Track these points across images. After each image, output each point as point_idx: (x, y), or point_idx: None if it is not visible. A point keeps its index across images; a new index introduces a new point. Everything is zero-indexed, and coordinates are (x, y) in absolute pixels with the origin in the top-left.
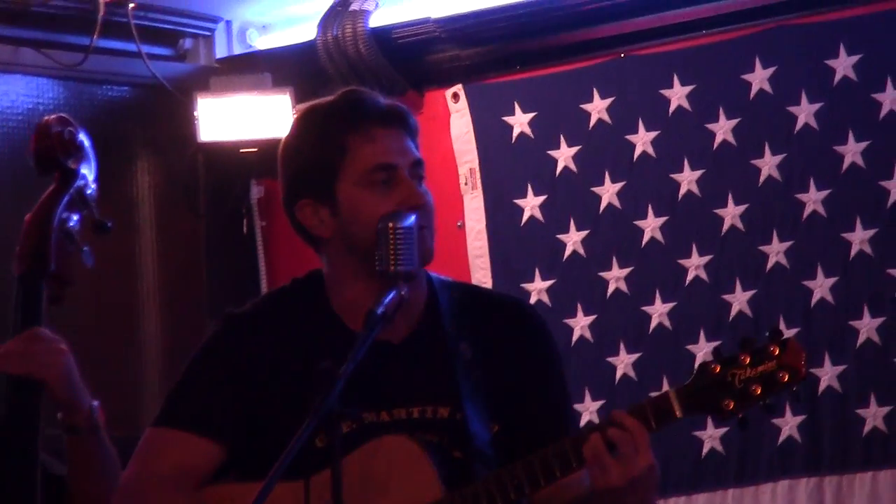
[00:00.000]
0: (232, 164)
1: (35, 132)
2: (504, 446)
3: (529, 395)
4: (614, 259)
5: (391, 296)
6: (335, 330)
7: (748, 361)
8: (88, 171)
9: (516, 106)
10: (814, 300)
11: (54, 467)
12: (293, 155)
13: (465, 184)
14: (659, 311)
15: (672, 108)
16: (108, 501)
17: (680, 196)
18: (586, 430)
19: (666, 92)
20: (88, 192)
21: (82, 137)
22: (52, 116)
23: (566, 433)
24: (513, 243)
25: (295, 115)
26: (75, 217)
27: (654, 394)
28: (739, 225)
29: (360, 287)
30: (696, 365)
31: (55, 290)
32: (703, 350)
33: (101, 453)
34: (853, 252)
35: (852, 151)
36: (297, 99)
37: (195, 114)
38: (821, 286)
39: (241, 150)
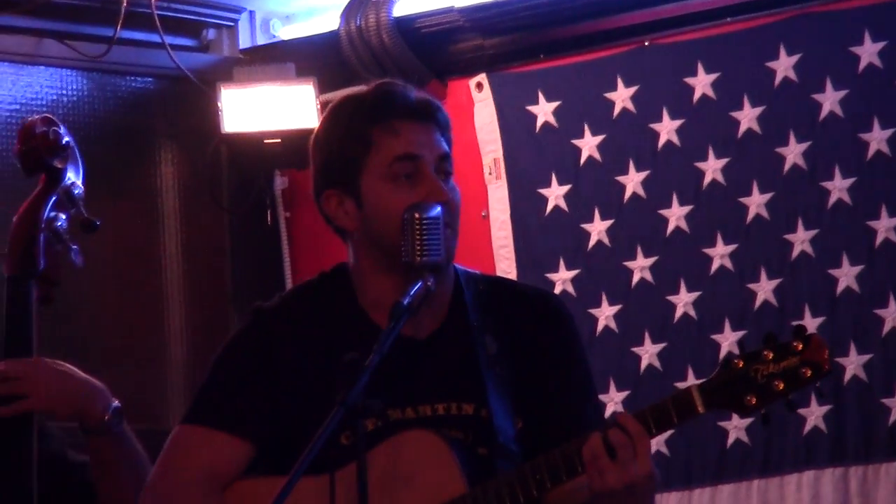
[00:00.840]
0: (256, 155)
1: (19, 133)
2: (529, 442)
3: (554, 389)
4: (639, 249)
5: (417, 287)
6: (362, 325)
7: (771, 357)
8: (75, 171)
9: (540, 95)
10: (839, 289)
11: (75, 456)
12: (322, 146)
13: (490, 174)
14: (684, 300)
15: (696, 96)
16: (134, 499)
17: (704, 185)
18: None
19: (690, 80)
20: (76, 191)
21: (67, 137)
22: (37, 117)
23: (591, 428)
24: (537, 233)
25: (329, 106)
26: (63, 216)
27: (677, 387)
28: (764, 213)
29: (386, 281)
30: (721, 357)
31: (44, 291)
32: (728, 340)
33: (122, 451)
34: (878, 240)
35: (877, 139)
36: (321, 89)
37: (219, 104)
38: (846, 275)
39: (265, 141)
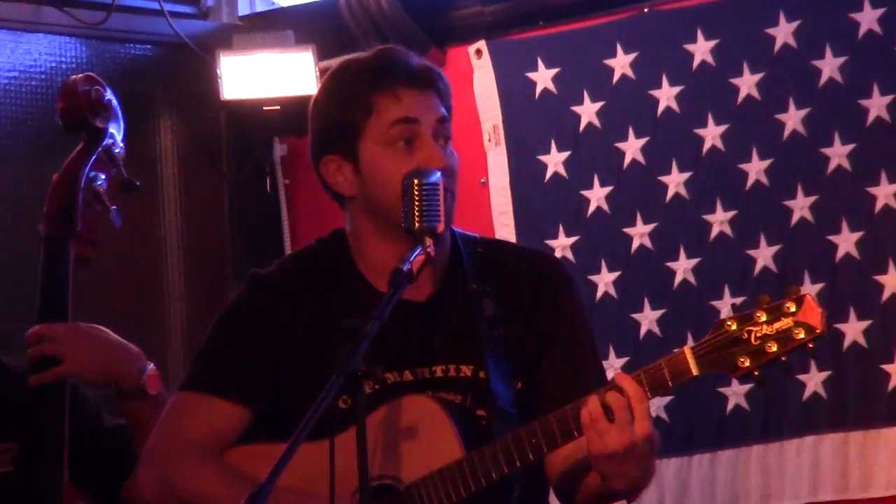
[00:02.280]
0: (255, 122)
1: (61, 92)
2: (528, 404)
3: (555, 351)
4: (638, 215)
5: (416, 253)
6: (360, 290)
7: (763, 318)
8: (116, 130)
9: (539, 62)
10: (838, 255)
11: (111, 420)
12: (321, 110)
13: (489, 140)
14: (683, 266)
15: (696, 63)
16: None
17: (704, 151)
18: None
19: (690, 47)
20: (116, 150)
21: (109, 96)
22: (79, 76)
23: (592, 389)
24: (536, 200)
25: (328, 72)
26: (103, 176)
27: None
28: (764, 180)
29: (384, 246)
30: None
31: (82, 251)
32: (727, 306)
33: (158, 414)
34: (878, 206)
35: (877, 105)
36: (320, 56)
37: (218, 72)
38: (846, 241)
39: (265, 108)
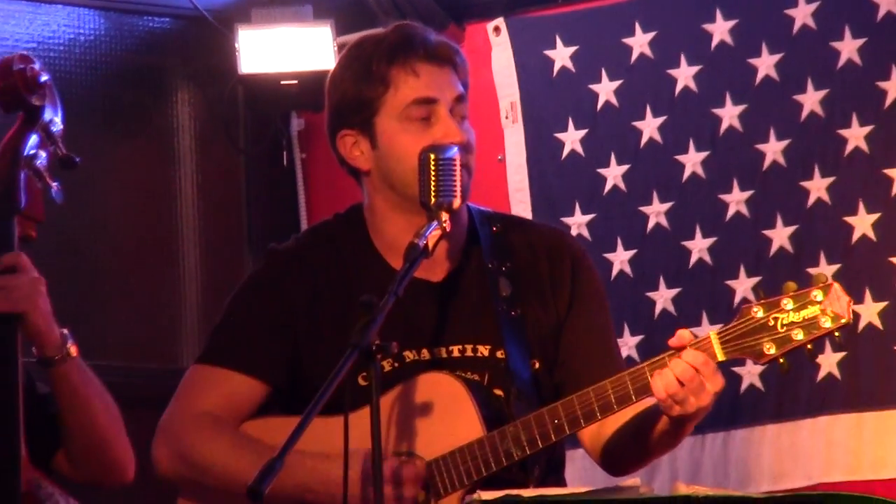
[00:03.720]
0: (272, 96)
1: None
2: (546, 382)
3: (570, 328)
4: (655, 194)
5: (432, 228)
6: (376, 266)
7: (790, 306)
8: (52, 109)
9: (558, 40)
10: (855, 236)
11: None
12: (338, 85)
13: (506, 118)
14: (699, 246)
15: (714, 42)
16: (102, 431)
17: (721, 131)
18: (646, 366)
19: (708, 27)
20: (54, 129)
21: (45, 76)
22: (14, 54)
23: (610, 365)
24: (553, 177)
25: (346, 46)
26: (43, 154)
27: (696, 334)
28: (781, 160)
29: (399, 222)
30: (738, 304)
31: (26, 229)
32: (743, 286)
33: (82, 382)
34: (895, 188)
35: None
36: (339, 31)
37: (236, 46)
38: (862, 222)
39: (282, 83)
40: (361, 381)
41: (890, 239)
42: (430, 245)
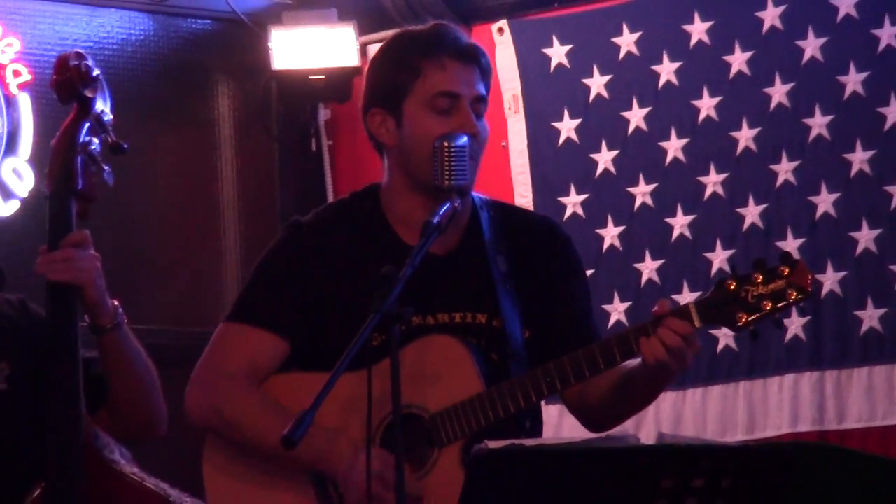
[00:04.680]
0: (302, 89)
1: (55, 66)
2: (535, 349)
3: (558, 303)
4: (641, 176)
5: (446, 207)
6: (389, 241)
7: (760, 280)
8: (103, 100)
9: (554, 39)
10: (818, 213)
11: (86, 352)
12: (376, 69)
13: (509, 108)
14: (680, 222)
15: (693, 41)
16: (143, 392)
17: (699, 120)
18: (631, 332)
19: (688, 27)
20: (105, 118)
21: (97, 71)
22: (70, 52)
23: (590, 336)
24: (551, 162)
25: (389, 38)
26: (96, 140)
27: (674, 299)
28: (752, 146)
29: (413, 199)
30: (713, 272)
31: (82, 207)
32: (719, 258)
33: (128, 348)
34: (854, 171)
35: (853, 81)
36: (360, 31)
37: (269, 45)
38: (825, 201)
39: (310, 77)
40: (374, 342)
41: (849, 215)
42: (444, 223)
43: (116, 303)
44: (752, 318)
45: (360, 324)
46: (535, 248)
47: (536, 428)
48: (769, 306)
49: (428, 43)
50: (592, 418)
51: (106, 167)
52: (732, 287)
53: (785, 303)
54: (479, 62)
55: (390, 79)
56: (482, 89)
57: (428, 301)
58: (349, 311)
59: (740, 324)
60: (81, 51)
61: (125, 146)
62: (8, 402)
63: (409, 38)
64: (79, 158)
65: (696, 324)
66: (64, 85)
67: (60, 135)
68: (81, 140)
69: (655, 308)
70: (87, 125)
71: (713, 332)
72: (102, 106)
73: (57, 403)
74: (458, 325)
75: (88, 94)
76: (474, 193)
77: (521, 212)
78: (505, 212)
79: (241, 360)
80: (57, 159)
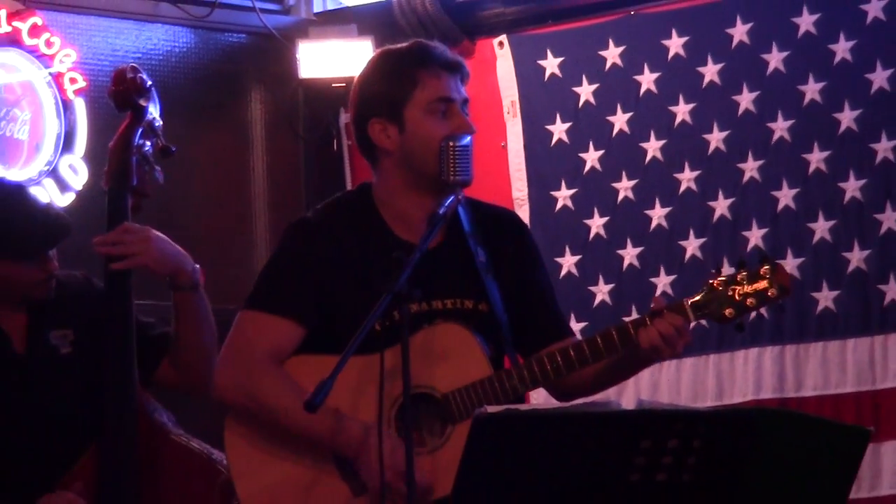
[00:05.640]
0: (325, 96)
1: (113, 78)
2: (514, 328)
3: (527, 287)
4: (623, 173)
5: (450, 200)
6: (382, 234)
7: (745, 280)
8: (154, 108)
9: (548, 52)
10: (780, 207)
11: (142, 318)
12: (369, 84)
13: (508, 113)
14: (658, 214)
15: (670, 55)
16: (204, 349)
17: (676, 124)
18: (630, 324)
19: (666, 42)
20: (156, 124)
21: (150, 82)
22: (126, 66)
23: (556, 316)
24: (544, 160)
25: (372, 58)
26: (148, 143)
27: (652, 282)
28: (722, 147)
29: (411, 198)
30: (686, 258)
31: (136, 202)
32: (692, 245)
33: (199, 307)
34: (811, 169)
35: (812, 90)
36: (377, 45)
37: (297, 56)
38: (785, 196)
39: (333, 85)
40: (377, 327)
41: (807, 209)
42: (449, 214)
43: (197, 266)
44: (738, 314)
45: (362, 309)
46: (504, 239)
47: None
48: (753, 303)
49: (421, 56)
50: (564, 392)
51: (157, 168)
52: (720, 287)
53: (767, 300)
54: (461, 71)
55: (388, 90)
56: (465, 93)
57: (423, 290)
58: (353, 297)
59: (727, 319)
60: (136, 65)
61: (173, 149)
62: (71, 364)
63: (398, 53)
64: (133, 159)
65: (692, 319)
66: (120, 95)
67: (117, 138)
68: (135, 143)
69: (653, 304)
70: (140, 130)
71: None
72: (154, 113)
73: (113, 371)
74: (449, 310)
75: (142, 102)
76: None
77: (489, 206)
78: (476, 207)
79: (262, 343)
80: (114, 159)
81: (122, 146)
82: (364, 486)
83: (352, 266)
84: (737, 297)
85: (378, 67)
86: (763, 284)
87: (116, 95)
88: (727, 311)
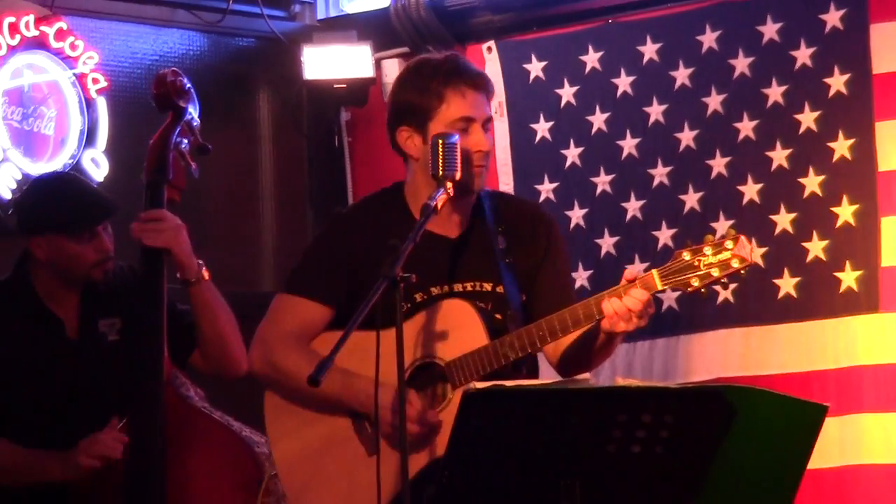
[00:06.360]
0: (327, 95)
1: (154, 81)
2: (530, 309)
3: (545, 272)
4: (601, 168)
5: (439, 193)
6: (410, 228)
7: (709, 252)
8: (193, 108)
9: (533, 57)
10: (745, 200)
11: (179, 307)
12: (401, 93)
13: (495, 112)
14: (633, 206)
15: (645, 59)
16: (224, 336)
17: (649, 124)
18: (605, 294)
19: (641, 48)
20: (194, 123)
21: (189, 85)
22: (168, 70)
23: (570, 300)
24: (528, 156)
25: (408, 65)
26: (185, 141)
27: (627, 268)
28: (692, 145)
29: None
30: (661, 248)
31: (172, 194)
32: (664, 235)
33: (212, 298)
34: (774, 166)
35: (775, 93)
36: (375, 49)
37: (301, 59)
38: (750, 190)
39: (334, 86)
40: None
41: (770, 202)
42: (439, 206)
43: (201, 262)
44: (703, 283)
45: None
46: (526, 229)
47: (533, 372)
48: (716, 273)
49: (448, 73)
50: (563, 368)
51: (193, 164)
52: (687, 257)
53: (730, 270)
54: (487, 89)
55: (417, 103)
56: (489, 110)
57: (444, 274)
58: (376, 282)
59: (691, 288)
60: (176, 69)
61: (209, 147)
62: (117, 351)
63: (430, 67)
64: (170, 155)
65: (658, 287)
66: (161, 97)
67: (157, 135)
68: (173, 140)
69: (626, 275)
70: (178, 129)
71: (659, 295)
72: (193, 113)
73: (144, 346)
74: (469, 292)
75: (181, 103)
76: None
77: (517, 200)
78: (503, 200)
79: (293, 324)
80: (153, 155)
81: (161, 143)
82: (376, 444)
83: (378, 253)
84: (702, 267)
85: (410, 78)
86: (725, 256)
87: (157, 98)
88: (693, 281)
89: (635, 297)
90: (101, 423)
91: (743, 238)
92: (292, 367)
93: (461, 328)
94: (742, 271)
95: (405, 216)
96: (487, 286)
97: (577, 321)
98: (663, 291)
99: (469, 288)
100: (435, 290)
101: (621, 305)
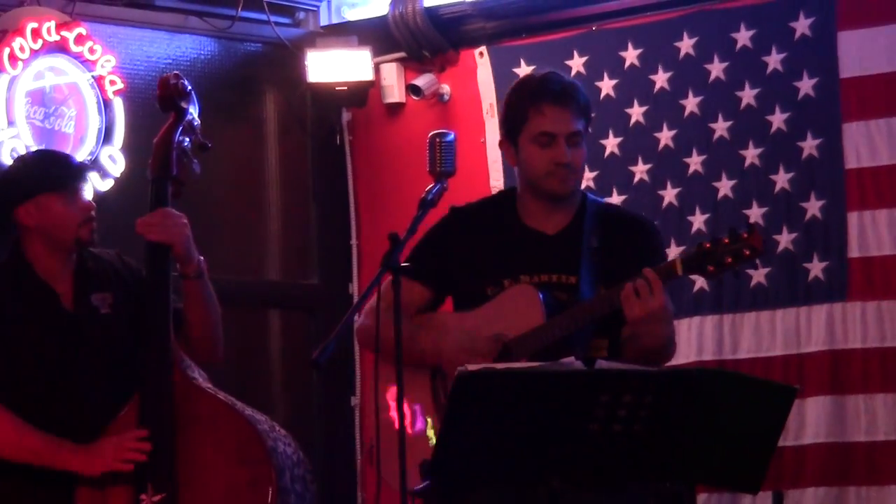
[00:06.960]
0: (329, 97)
1: (158, 84)
2: None
3: (626, 273)
4: (586, 166)
5: (436, 189)
6: (516, 226)
7: (727, 242)
8: (194, 109)
9: (522, 61)
10: (719, 195)
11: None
12: (504, 108)
13: (487, 113)
14: (616, 201)
15: (627, 64)
16: (210, 327)
17: (631, 124)
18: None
19: (623, 53)
20: (195, 123)
21: (190, 87)
22: (170, 73)
23: None
24: None
25: (516, 82)
26: (187, 140)
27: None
28: (671, 144)
29: (533, 202)
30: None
31: (176, 189)
32: (698, 220)
33: (206, 293)
34: (747, 163)
35: (748, 95)
36: (375, 54)
37: (305, 63)
38: (724, 186)
39: (336, 88)
40: (489, 292)
41: (743, 198)
42: (436, 200)
43: (202, 258)
44: (719, 269)
45: (484, 280)
46: (621, 232)
47: (590, 354)
48: (730, 260)
49: (532, 93)
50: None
51: (195, 160)
52: (707, 246)
53: (742, 258)
54: (574, 102)
55: (511, 119)
56: (578, 125)
57: (535, 265)
58: (479, 271)
59: (709, 273)
60: (178, 72)
61: (210, 145)
62: (109, 323)
63: (521, 86)
64: (174, 153)
65: (679, 272)
66: (164, 99)
67: (161, 134)
68: (176, 139)
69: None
70: (180, 128)
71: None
72: (193, 114)
73: (153, 333)
74: (554, 283)
75: (183, 105)
76: (591, 195)
77: (620, 209)
78: (608, 208)
79: (401, 302)
80: (158, 152)
81: (164, 141)
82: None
83: (484, 247)
84: (718, 254)
85: (508, 97)
86: (739, 245)
87: (161, 99)
88: (710, 268)
89: (644, 274)
90: (101, 391)
91: (757, 229)
92: (389, 336)
93: (522, 310)
94: (755, 259)
95: (513, 216)
96: (572, 279)
97: (610, 302)
98: (682, 276)
99: (555, 279)
100: (524, 279)
101: (632, 282)
